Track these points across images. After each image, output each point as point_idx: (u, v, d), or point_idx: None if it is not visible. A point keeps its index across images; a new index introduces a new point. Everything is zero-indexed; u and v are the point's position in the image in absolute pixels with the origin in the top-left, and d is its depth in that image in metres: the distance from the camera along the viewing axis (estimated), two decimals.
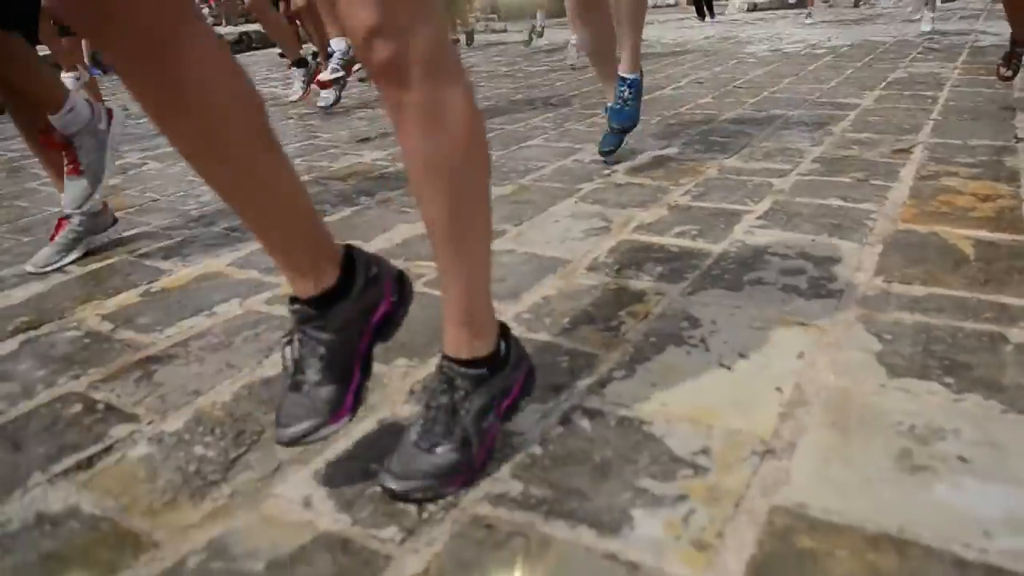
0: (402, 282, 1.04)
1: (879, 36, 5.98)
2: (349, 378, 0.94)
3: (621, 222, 1.87)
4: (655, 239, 1.73)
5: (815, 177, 2.13)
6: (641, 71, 2.49)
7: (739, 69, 4.62)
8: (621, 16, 2.36)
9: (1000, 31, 5.07)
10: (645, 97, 2.92)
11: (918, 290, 1.36)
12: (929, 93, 3.30)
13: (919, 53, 4.73)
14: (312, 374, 0.91)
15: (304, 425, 0.90)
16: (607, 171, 2.37)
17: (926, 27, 5.89)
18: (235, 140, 0.85)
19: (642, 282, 1.49)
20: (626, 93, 2.43)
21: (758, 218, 1.82)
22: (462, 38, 6.95)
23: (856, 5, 9.96)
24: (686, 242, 1.70)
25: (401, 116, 0.82)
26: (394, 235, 1.91)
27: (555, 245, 1.74)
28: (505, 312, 1.37)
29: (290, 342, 0.94)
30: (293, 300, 0.93)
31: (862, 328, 1.24)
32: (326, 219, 2.09)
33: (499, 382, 0.97)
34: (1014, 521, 0.80)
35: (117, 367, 1.30)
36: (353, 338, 0.95)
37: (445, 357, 0.96)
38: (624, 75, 2.43)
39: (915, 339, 1.19)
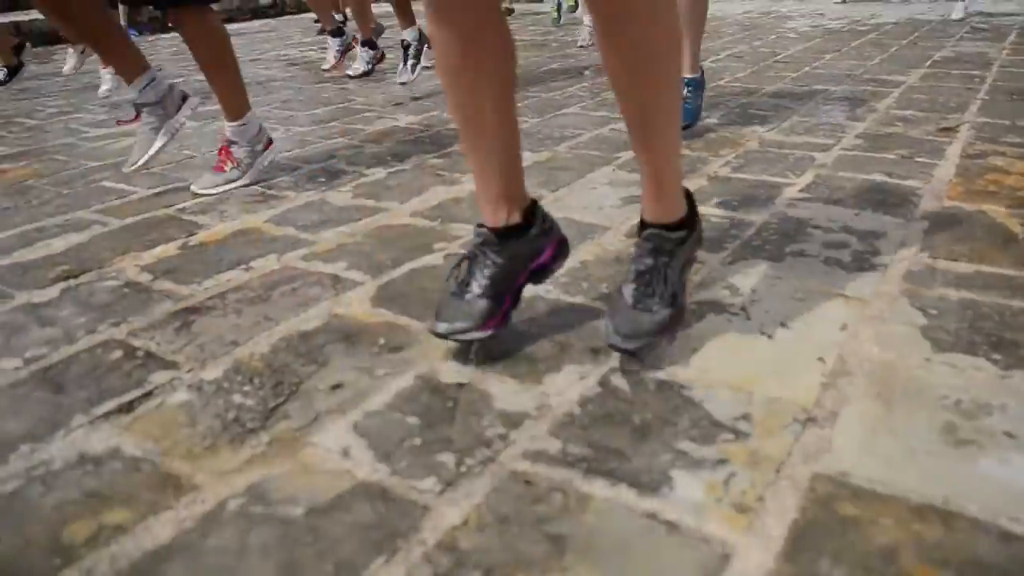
0: (563, 244, 1.23)
1: (924, 15, 5.84)
2: (503, 301, 1.12)
3: None
4: None
5: (858, 152, 2.09)
6: (701, 70, 2.40)
7: (779, 44, 4.53)
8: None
9: None
10: None
11: (964, 267, 1.33)
12: (976, 73, 3.21)
13: (966, 33, 4.62)
14: (476, 287, 1.11)
15: (458, 324, 1.08)
16: None
17: (957, 15, 5.46)
18: (504, 84, 1.10)
19: None
20: (684, 91, 2.34)
21: (800, 191, 1.79)
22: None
23: None
24: (726, 212, 1.67)
25: (618, 27, 0.95)
26: (429, 197, 1.90)
27: (592, 212, 1.73)
28: None
29: (466, 258, 1.15)
30: (480, 226, 1.15)
31: (906, 302, 1.22)
32: (361, 180, 2.09)
33: (695, 237, 1.18)
34: None
35: (156, 316, 1.31)
36: (516, 270, 1.15)
37: (649, 226, 1.12)
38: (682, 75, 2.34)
39: (961, 315, 1.17)
